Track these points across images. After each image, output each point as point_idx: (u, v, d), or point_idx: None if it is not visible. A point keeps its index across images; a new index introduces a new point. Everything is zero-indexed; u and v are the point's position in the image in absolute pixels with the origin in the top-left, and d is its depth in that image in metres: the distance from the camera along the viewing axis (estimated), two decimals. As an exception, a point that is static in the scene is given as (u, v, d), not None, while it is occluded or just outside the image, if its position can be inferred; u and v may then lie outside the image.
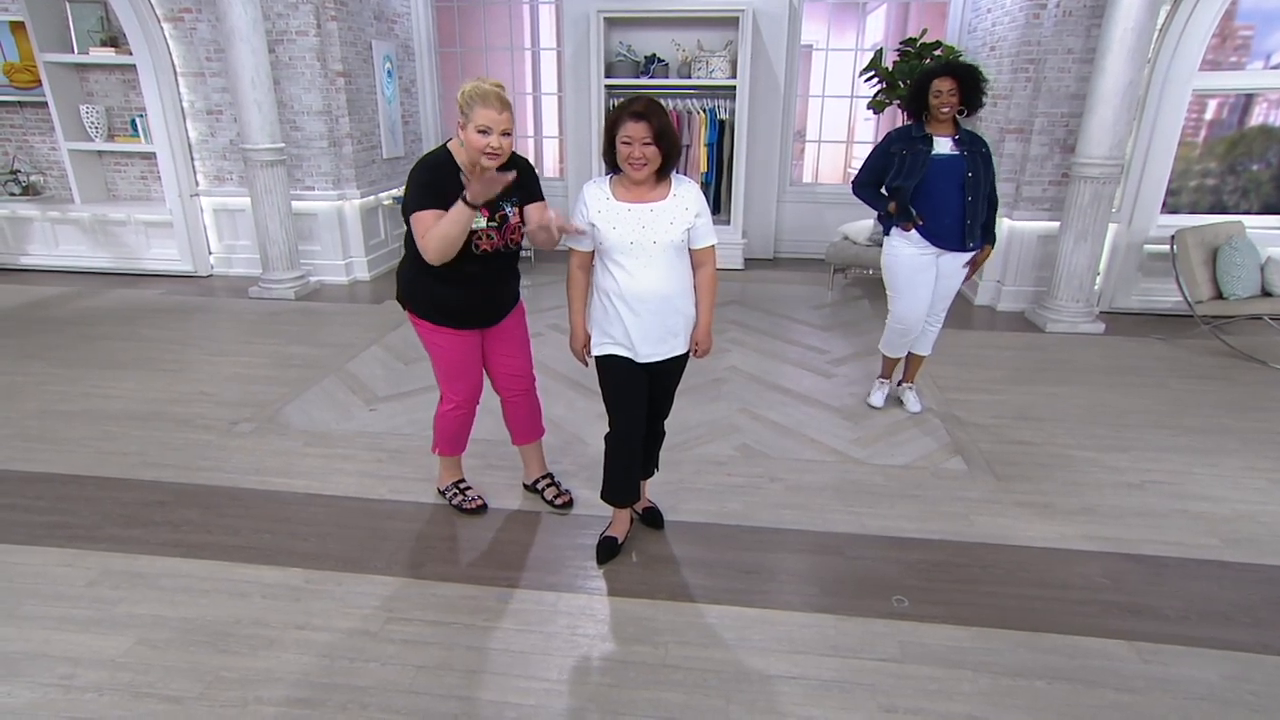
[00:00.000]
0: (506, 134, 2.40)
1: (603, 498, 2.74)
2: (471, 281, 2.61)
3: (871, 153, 3.62)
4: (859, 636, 2.37)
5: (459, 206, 2.36)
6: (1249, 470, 3.42)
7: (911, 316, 3.74)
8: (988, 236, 3.58)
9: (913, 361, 4.02)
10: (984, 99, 3.45)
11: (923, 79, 3.45)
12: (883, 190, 3.60)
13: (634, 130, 2.25)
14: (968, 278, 3.72)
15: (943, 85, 3.35)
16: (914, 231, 3.54)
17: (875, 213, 4.29)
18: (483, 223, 2.52)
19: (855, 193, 3.69)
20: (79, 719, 2.04)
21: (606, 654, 2.30)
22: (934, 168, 3.44)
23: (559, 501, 3.08)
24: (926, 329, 3.84)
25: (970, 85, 3.36)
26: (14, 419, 3.81)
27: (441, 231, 2.38)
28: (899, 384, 4.09)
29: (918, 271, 3.63)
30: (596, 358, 2.58)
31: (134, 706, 2.08)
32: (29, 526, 2.90)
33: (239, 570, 2.66)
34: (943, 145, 3.45)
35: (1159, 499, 3.18)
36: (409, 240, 2.61)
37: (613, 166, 2.38)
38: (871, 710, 2.09)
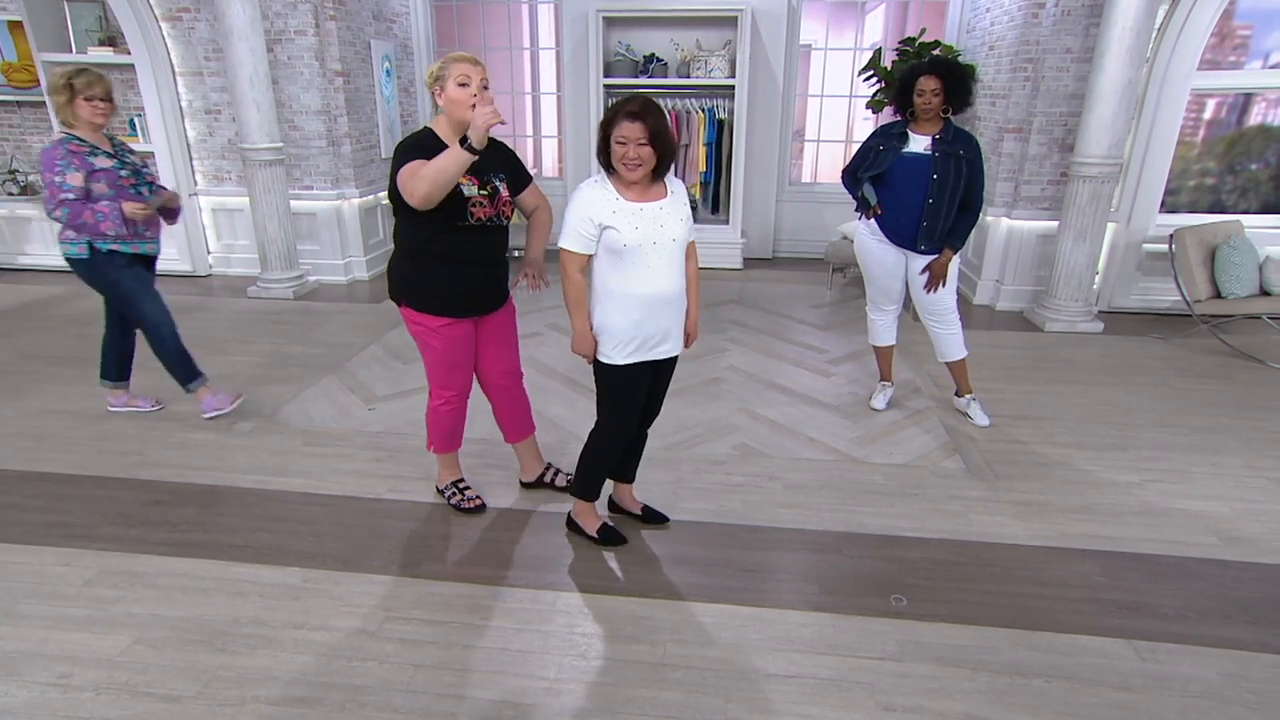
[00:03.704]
0: (485, 86, 2.48)
1: (582, 494, 2.77)
2: (468, 257, 2.63)
3: (861, 144, 3.65)
4: (857, 635, 2.37)
5: (455, 148, 2.33)
6: (1248, 469, 3.42)
7: (875, 301, 3.87)
8: (951, 242, 3.49)
9: (954, 371, 3.88)
10: (971, 98, 3.43)
11: (908, 76, 3.42)
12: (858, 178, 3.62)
13: (629, 130, 2.23)
14: (929, 286, 3.59)
15: (927, 84, 3.33)
16: (873, 222, 3.61)
17: None
18: (474, 190, 2.55)
19: (841, 179, 3.75)
20: (77, 718, 2.03)
21: (604, 653, 2.29)
22: (900, 165, 3.44)
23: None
24: (935, 330, 3.78)
25: (956, 85, 3.33)
26: (13, 418, 3.80)
27: (436, 167, 2.34)
28: (955, 395, 3.97)
29: (879, 262, 3.71)
30: (619, 366, 2.49)
31: (131, 705, 2.07)
32: (27, 526, 2.90)
33: (237, 569, 2.66)
34: (918, 144, 3.43)
35: (1158, 498, 3.18)
36: (399, 234, 2.64)
37: (607, 166, 2.36)
38: (870, 708, 2.09)
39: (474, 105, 2.43)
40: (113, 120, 3.43)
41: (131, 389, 3.94)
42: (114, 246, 3.43)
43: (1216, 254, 4.93)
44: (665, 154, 2.30)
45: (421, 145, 2.51)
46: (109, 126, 3.46)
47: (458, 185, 2.49)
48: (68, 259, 3.44)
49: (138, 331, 3.77)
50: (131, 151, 3.53)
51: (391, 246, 2.78)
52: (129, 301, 3.56)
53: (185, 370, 3.73)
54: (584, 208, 2.34)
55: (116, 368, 3.85)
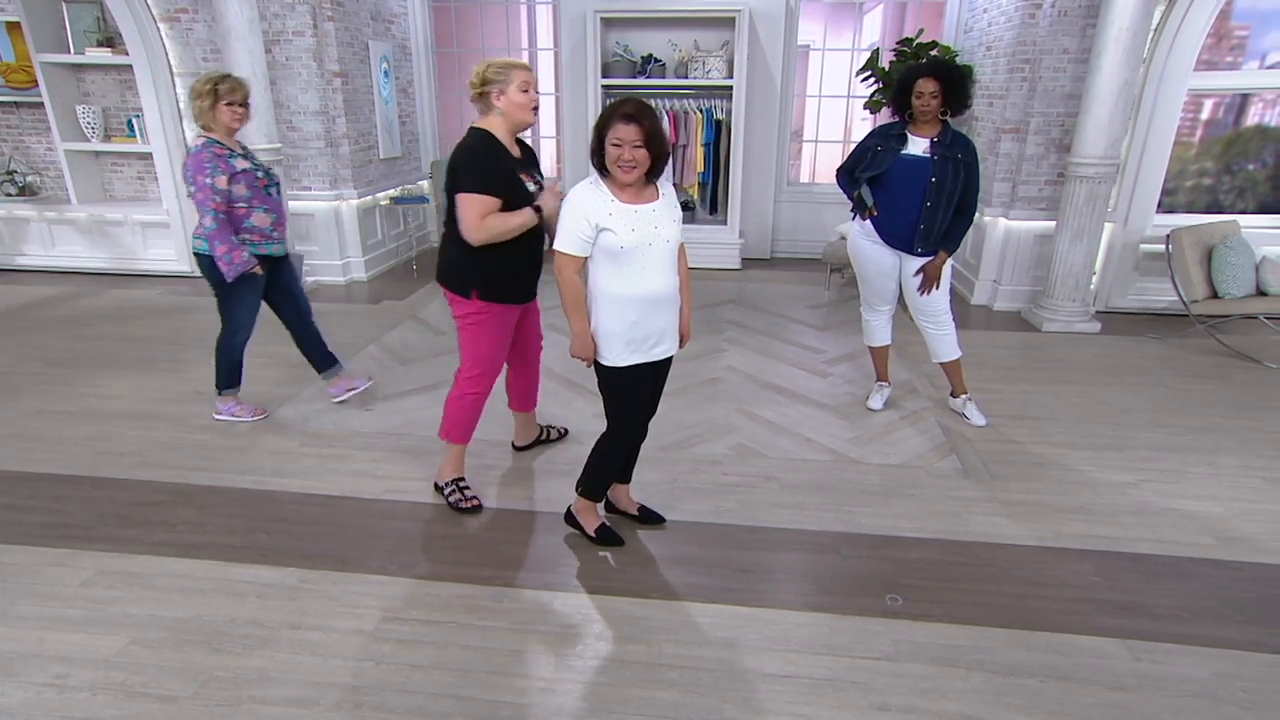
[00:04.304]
0: (538, 91, 2.78)
1: (586, 494, 2.77)
2: (532, 246, 2.87)
3: (858, 143, 3.65)
4: (853, 635, 2.38)
5: (529, 213, 2.70)
6: (1243, 469, 3.42)
7: (870, 301, 3.88)
8: (946, 244, 3.50)
9: (948, 371, 3.89)
10: (969, 101, 3.43)
11: (907, 77, 3.42)
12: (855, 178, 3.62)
13: (625, 133, 2.23)
14: (923, 288, 3.60)
15: (925, 87, 3.33)
16: (869, 223, 3.61)
17: None
18: (533, 187, 2.82)
19: (836, 178, 3.74)
20: (72, 718, 2.04)
21: (600, 653, 2.30)
22: (899, 166, 3.44)
23: (564, 433, 3.67)
24: (928, 331, 3.78)
25: (954, 87, 3.33)
26: (11, 419, 3.80)
27: (504, 227, 2.67)
28: (951, 396, 3.97)
29: (873, 262, 3.70)
30: (619, 369, 2.50)
31: (127, 706, 2.08)
32: (24, 526, 2.90)
33: (234, 570, 2.66)
34: (917, 146, 3.43)
35: (1153, 498, 3.19)
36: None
37: (601, 168, 2.36)
38: (864, 708, 2.10)
39: (535, 108, 2.77)
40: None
41: (347, 369, 4.08)
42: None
43: (1213, 254, 4.94)
44: (660, 156, 2.31)
45: (488, 151, 2.69)
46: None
47: (523, 183, 2.75)
48: (197, 254, 3.51)
49: (314, 319, 3.95)
50: (255, 154, 3.65)
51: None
52: (234, 302, 3.62)
53: (228, 377, 3.81)
54: (581, 209, 2.34)
55: (321, 357, 3.97)
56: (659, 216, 2.39)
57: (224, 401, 3.83)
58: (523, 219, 2.68)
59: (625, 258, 2.36)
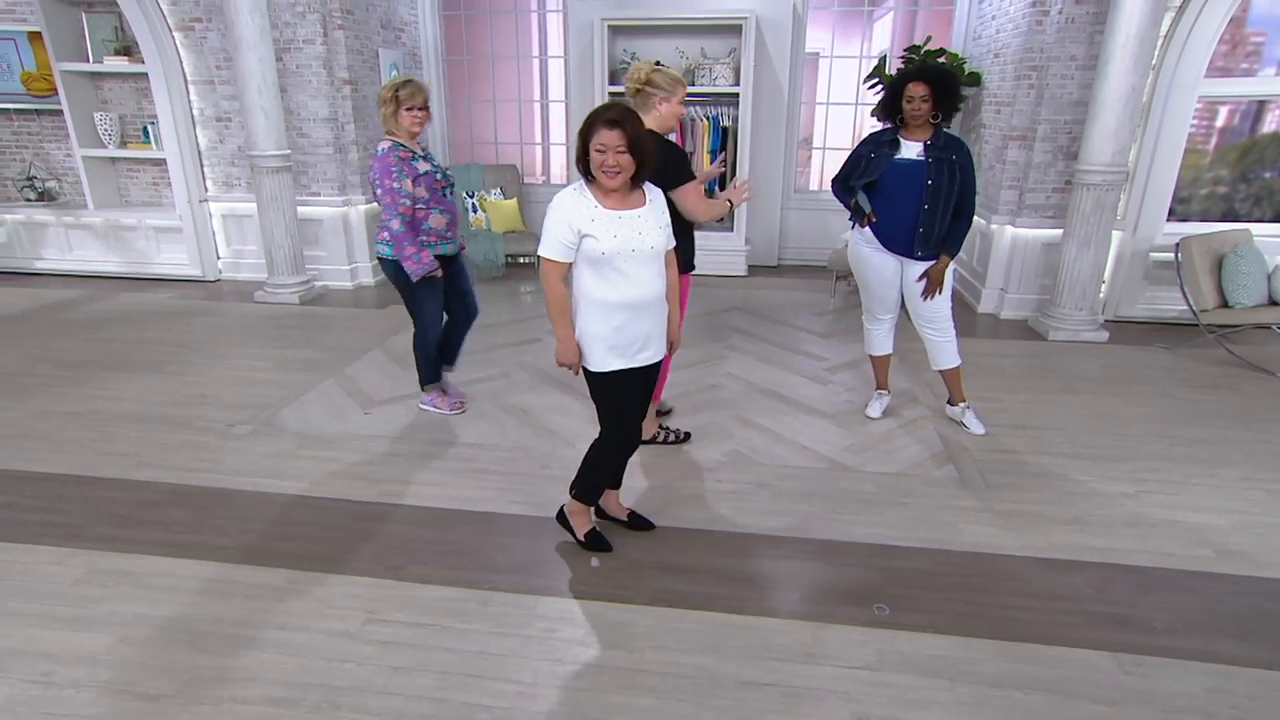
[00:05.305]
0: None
1: (579, 497, 2.78)
2: None
3: (851, 152, 3.65)
4: (837, 644, 2.36)
5: (725, 200, 3.28)
6: (1247, 481, 3.36)
7: (871, 310, 3.85)
8: (947, 248, 3.48)
9: (947, 379, 3.86)
10: (960, 104, 3.42)
11: (897, 83, 3.42)
12: (850, 186, 3.60)
13: (608, 138, 2.24)
14: (926, 293, 3.58)
15: (915, 91, 3.32)
16: (868, 230, 3.59)
17: None
18: None
19: (832, 188, 3.73)
20: (56, 715, 2.06)
21: (582, 658, 2.29)
22: (894, 171, 3.43)
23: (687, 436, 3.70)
24: (930, 338, 3.75)
25: (944, 92, 3.32)
26: (18, 419, 3.87)
27: (722, 208, 3.24)
28: (948, 404, 3.94)
29: (875, 270, 3.68)
30: (604, 374, 2.52)
31: (110, 704, 2.10)
32: (23, 524, 2.95)
33: (224, 570, 2.69)
34: (910, 150, 3.42)
35: (1153, 509, 3.13)
36: None
37: (586, 173, 2.37)
38: (844, 718, 2.08)
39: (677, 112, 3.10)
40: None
41: (447, 384, 4.14)
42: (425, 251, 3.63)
43: (1224, 263, 4.86)
44: (644, 161, 2.31)
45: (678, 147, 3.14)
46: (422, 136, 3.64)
47: None
48: (382, 258, 3.64)
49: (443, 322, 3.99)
50: (433, 156, 3.75)
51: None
52: (418, 302, 3.74)
53: (428, 373, 3.96)
54: (563, 215, 2.35)
55: (451, 359, 4.08)
56: (643, 222, 2.39)
57: (427, 393, 4.00)
58: (724, 202, 3.24)
59: (607, 263, 2.36)
